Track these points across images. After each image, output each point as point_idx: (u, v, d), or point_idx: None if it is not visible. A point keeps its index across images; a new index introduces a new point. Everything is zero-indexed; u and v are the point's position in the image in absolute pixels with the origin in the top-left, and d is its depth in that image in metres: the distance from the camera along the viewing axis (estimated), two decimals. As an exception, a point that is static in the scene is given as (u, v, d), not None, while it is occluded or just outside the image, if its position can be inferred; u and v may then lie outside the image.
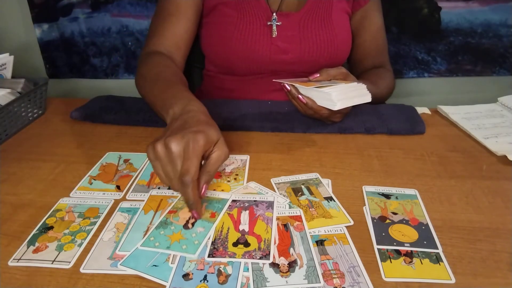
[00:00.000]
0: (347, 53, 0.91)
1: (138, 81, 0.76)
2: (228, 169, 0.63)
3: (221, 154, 0.51)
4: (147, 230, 0.50)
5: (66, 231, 0.51)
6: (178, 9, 0.83)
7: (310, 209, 0.53)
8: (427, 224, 0.51)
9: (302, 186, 0.59)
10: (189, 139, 0.48)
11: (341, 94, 0.65)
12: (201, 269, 0.44)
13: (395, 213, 0.53)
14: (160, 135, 0.51)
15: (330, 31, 0.85)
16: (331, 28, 0.85)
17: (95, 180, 0.61)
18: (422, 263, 0.45)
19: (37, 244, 0.48)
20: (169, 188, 0.58)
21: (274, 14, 0.84)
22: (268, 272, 0.43)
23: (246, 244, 0.47)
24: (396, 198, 0.56)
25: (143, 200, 0.56)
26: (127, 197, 0.57)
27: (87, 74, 1.35)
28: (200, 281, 0.42)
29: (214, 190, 0.57)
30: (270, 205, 0.54)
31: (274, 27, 0.84)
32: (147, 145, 0.51)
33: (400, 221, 0.51)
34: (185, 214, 0.52)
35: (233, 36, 0.84)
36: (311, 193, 0.57)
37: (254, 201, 0.55)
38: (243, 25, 0.84)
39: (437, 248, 0.47)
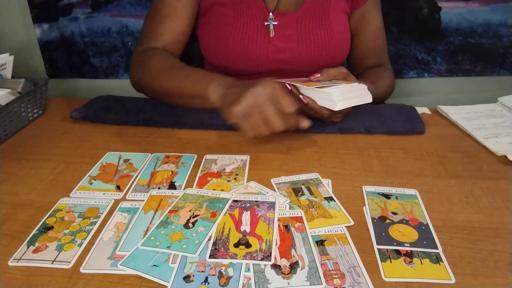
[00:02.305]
0: (345, 53, 0.91)
1: (143, 74, 0.77)
2: (228, 169, 0.63)
3: None
4: (147, 230, 0.50)
5: (66, 231, 0.51)
6: (174, 10, 0.84)
7: (310, 209, 0.53)
8: (427, 224, 0.51)
9: (302, 186, 0.59)
10: (261, 87, 0.58)
11: (342, 95, 0.65)
12: (202, 271, 0.44)
13: (395, 213, 0.53)
14: (226, 103, 0.60)
15: (328, 30, 0.85)
16: (329, 28, 0.85)
17: (95, 180, 0.61)
18: (422, 263, 0.45)
19: (37, 244, 0.48)
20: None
21: (271, 13, 0.84)
22: (270, 273, 0.43)
23: (248, 245, 0.47)
24: (396, 198, 0.56)
25: (143, 200, 0.56)
26: (127, 197, 0.57)
27: (87, 74, 1.35)
28: (201, 283, 0.42)
29: (214, 190, 0.57)
30: (271, 205, 0.54)
31: (271, 27, 0.84)
32: (226, 111, 0.59)
33: (400, 221, 0.51)
34: (185, 213, 0.52)
35: (230, 36, 0.84)
36: (311, 193, 0.57)
37: (256, 201, 0.55)
38: (240, 25, 0.84)
39: (437, 248, 0.47)
